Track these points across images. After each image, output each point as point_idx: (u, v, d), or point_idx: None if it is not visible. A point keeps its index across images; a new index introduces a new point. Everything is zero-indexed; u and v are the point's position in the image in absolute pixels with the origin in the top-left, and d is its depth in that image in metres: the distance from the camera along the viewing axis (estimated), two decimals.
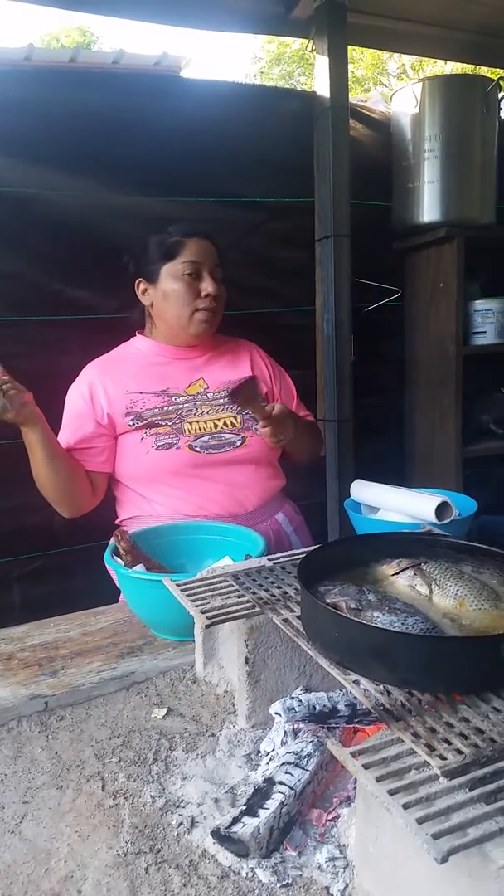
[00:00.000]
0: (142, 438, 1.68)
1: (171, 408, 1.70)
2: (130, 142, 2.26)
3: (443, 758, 0.67)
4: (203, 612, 1.01)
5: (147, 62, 3.49)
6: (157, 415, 1.69)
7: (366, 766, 0.68)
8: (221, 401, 1.73)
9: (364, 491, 1.71)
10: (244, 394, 1.55)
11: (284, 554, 1.22)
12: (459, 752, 0.68)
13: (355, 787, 0.84)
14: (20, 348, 2.13)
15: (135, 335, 1.83)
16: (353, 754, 0.69)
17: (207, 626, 1.00)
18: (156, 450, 1.66)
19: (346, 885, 0.76)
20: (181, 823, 0.87)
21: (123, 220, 2.23)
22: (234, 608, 1.02)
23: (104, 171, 2.24)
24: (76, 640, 1.37)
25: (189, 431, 1.68)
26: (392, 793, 0.64)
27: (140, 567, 1.34)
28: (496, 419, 2.86)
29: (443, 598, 0.94)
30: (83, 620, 1.46)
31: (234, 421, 1.72)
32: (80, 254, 2.21)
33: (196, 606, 1.03)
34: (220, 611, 1.02)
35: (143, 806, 0.91)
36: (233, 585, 1.09)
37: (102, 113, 2.23)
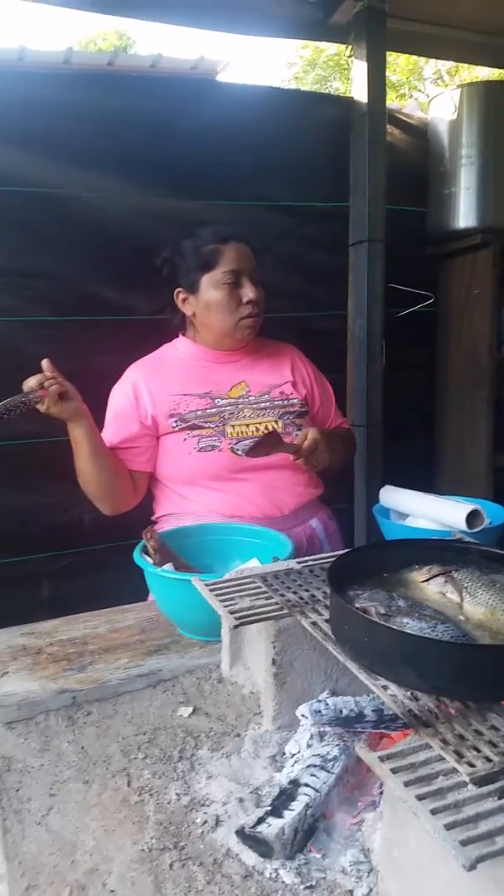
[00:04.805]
0: (184, 439, 1.69)
1: (213, 410, 1.71)
2: (167, 145, 2.28)
3: (472, 765, 0.67)
4: (231, 612, 1.01)
5: (184, 66, 3.53)
6: (199, 417, 1.70)
7: (394, 771, 0.68)
8: (263, 404, 1.74)
9: (393, 497, 1.70)
10: (264, 447, 1.57)
11: (313, 557, 1.22)
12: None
13: (381, 792, 0.84)
14: (58, 348, 2.15)
15: (177, 336, 1.84)
16: (382, 758, 0.69)
17: (235, 627, 1.00)
18: (198, 451, 1.67)
19: (370, 890, 0.76)
20: (206, 822, 0.87)
21: (160, 221, 2.25)
22: (262, 610, 1.02)
23: (141, 173, 2.27)
24: (104, 636, 1.38)
25: (231, 434, 1.69)
26: (420, 798, 0.64)
27: (169, 566, 1.35)
28: None
29: (474, 605, 0.93)
30: (111, 617, 1.47)
31: (275, 425, 1.72)
32: (118, 255, 2.23)
33: (224, 607, 1.03)
34: (248, 612, 1.02)
35: (167, 803, 0.92)
36: (261, 587, 1.09)
37: (140, 116, 2.26)
